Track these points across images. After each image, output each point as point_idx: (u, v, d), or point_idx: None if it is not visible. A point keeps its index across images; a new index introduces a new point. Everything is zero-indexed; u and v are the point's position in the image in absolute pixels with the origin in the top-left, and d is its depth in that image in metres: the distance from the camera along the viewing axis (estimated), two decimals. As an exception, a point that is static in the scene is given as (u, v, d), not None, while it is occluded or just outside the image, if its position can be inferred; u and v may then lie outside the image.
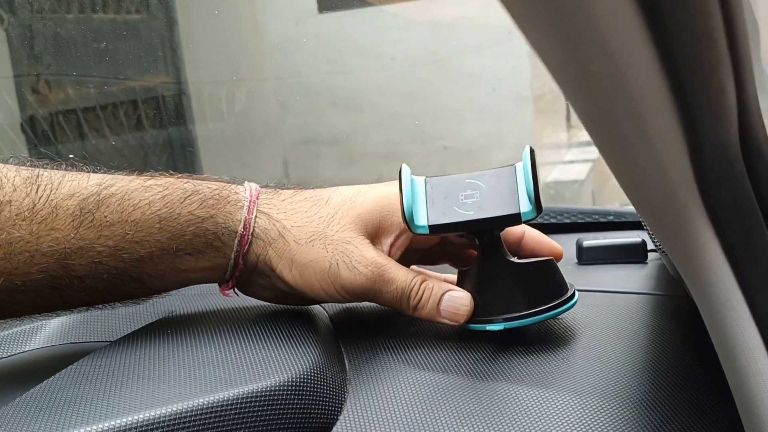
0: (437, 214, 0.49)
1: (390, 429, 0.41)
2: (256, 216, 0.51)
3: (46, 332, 0.57)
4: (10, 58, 1.97)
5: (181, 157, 2.27)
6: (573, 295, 0.51)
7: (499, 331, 0.49)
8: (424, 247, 0.56)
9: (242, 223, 0.50)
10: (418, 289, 0.50)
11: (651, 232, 0.35)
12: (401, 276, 0.50)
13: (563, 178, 3.48)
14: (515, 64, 3.22)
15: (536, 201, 0.47)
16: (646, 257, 0.70)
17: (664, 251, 0.48)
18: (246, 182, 0.53)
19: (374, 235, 0.52)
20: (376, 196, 0.52)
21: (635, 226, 0.82)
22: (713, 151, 0.27)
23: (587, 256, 0.70)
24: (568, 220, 0.86)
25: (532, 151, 0.48)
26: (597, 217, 0.85)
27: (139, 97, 2.19)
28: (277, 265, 0.50)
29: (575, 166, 3.69)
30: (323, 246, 0.50)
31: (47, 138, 1.93)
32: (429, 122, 3.23)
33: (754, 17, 0.31)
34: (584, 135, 4.31)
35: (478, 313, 0.50)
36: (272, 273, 0.51)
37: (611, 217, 0.85)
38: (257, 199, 0.51)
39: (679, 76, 0.20)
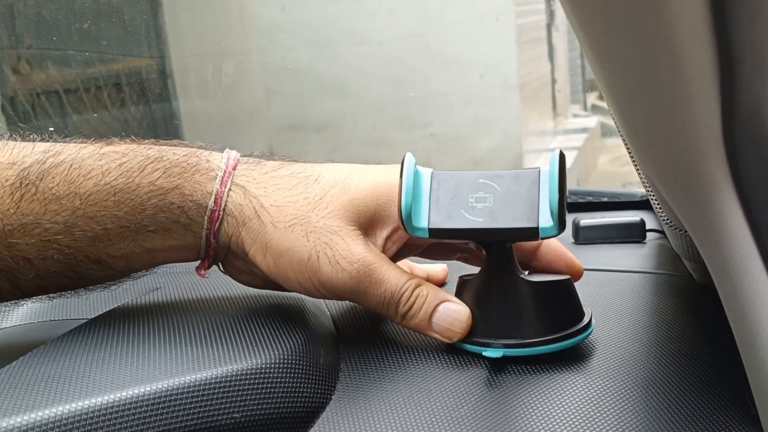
0: (440, 217, 0.42)
1: (385, 411, 0.39)
2: (229, 189, 0.44)
3: (23, 309, 0.55)
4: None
5: (164, 137, 2.24)
6: (589, 323, 0.44)
7: (496, 358, 0.42)
8: (425, 243, 0.49)
9: (213, 197, 0.44)
10: (410, 296, 0.44)
11: (665, 197, 0.33)
12: (392, 278, 0.44)
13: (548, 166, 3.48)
14: (502, 51, 3.21)
15: (560, 217, 0.40)
16: (645, 236, 0.68)
17: (671, 224, 0.46)
18: (226, 150, 0.46)
19: (368, 226, 0.45)
20: (375, 181, 0.45)
21: (630, 206, 0.81)
22: (747, 107, 0.25)
23: (584, 236, 0.68)
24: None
25: (561, 156, 0.41)
26: (591, 198, 0.84)
27: (123, 80, 2.16)
28: (250, 249, 0.44)
29: (561, 154, 3.68)
30: (304, 233, 0.43)
31: (29, 118, 1.90)
32: (416, 108, 3.22)
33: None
34: (569, 123, 4.32)
35: (476, 332, 0.44)
36: (245, 256, 0.45)
37: (605, 198, 0.83)
38: (234, 169, 0.45)
39: (724, 12, 0.18)
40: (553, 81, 4.14)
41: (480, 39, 3.17)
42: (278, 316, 0.46)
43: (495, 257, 0.43)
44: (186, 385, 0.37)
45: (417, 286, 0.44)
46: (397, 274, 0.44)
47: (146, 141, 0.45)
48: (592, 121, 4.33)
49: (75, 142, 0.44)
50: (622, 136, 0.45)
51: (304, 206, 0.44)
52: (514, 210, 0.41)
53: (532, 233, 0.41)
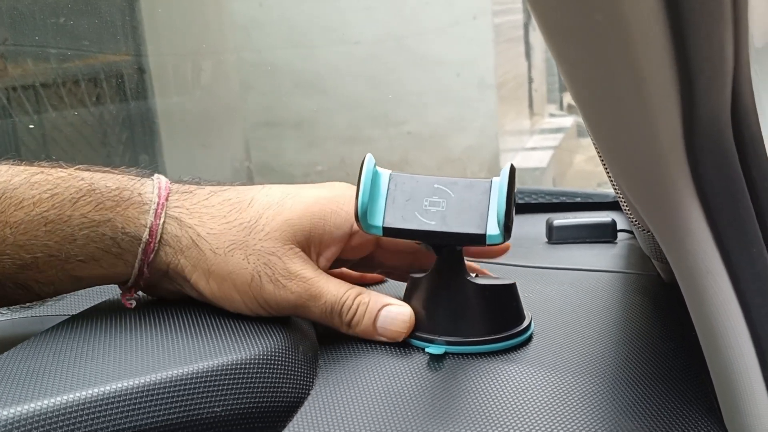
0: (395, 217, 0.45)
1: (363, 405, 0.40)
2: (164, 221, 0.45)
3: (4, 305, 0.55)
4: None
5: (140, 135, 2.23)
6: (528, 326, 0.47)
7: (438, 355, 0.44)
8: (354, 258, 0.51)
9: (148, 229, 0.45)
10: (351, 304, 0.46)
11: (632, 201, 0.34)
12: (331, 290, 0.46)
13: (525, 165, 3.51)
14: (479, 50, 3.22)
15: (505, 226, 0.42)
16: (616, 236, 0.70)
17: (639, 225, 0.48)
18: (155, 176, 0.47)
19: (303, 243, 0.46)
20: (307, 201, 0.47)
21: (602, 206, 0.83)
22: (706, 116, 0.26)
23: (557, 236, 0.70)
24: (536, 201, 0.86)
25: (512, 170, 0.43)
26: (565, 198, 0.85)
27: (100, 74, 2.15)
28: (192, 276, 0.45)
29: (537, 153, 3.72)
30: (244, 256, 0.45)
31: (5, 112, 1.88)
32: (393, 106, 3.22)
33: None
34: (546, 123, 4.35)
35: (422, 328, 0.46)
36: (185, 282, 0.46)
37: (579, 198, 0.85)
38: (166, 200, 0.46)
39: (682, 30, 0.19)
40: (530, 80, 4.16)
41: (457, 38, 3.19)
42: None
43: (444, 259, 0.45)
44: (167, 379, 0.38)
45: (358, 294, 0.46)
46: (335, 285, 0.46)
47: (77, 166, 0.46)
48: (569, 120, 4.37)
49: (4, 165, 0.44)
50: (592, 139, 0.46)
51: (240, 231, 0.45)
52: (464, 216, 0.44)
53: (480, 239, 0.43)
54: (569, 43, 0.21)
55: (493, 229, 0.43)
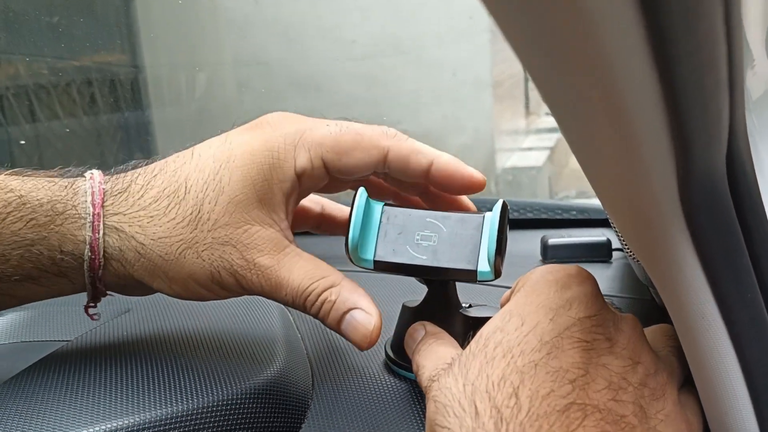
0: (386, 250, 0.44)
1: (355, 438, 0.40)
2: (103, 234, 0.42)
3: (-6, 330, 0.55)
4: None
5: (136, 137, 2.22)
6: None
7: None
8: (315, 189, 0.47)
9: (88, 246, 0.42)
10: (315, 300, 0.43)
11: (627, 241, 0.34)
12: (293, 281, 0.43)
13: (521, 165, 3.51)
14: (475, 49, 3.22)
15: (496, 264, 0.42)
16: (611, 256, 0.70)
17: (633, 257, 0.48)
18: (88, 174, 0.44)
19: (257, 215, 0.43)
20: (244, 166, 0.43)
21: (598, 223, 0.82)
22: (701, 173, 0.26)
23: (552, 255, 0.70)
24: (530, 215, 0.85)
25: (504, 206, 0.43)
26: (560, 212, 0.85)
27: (94, 77, 2.14)
28: (153, 282, 0.43)
29: (533, 153, 3.72)
30: (197, 255, 0.42)
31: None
32: (388, 105, 3.22)
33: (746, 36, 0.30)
34: (542, 122, 4.35)
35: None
36: (147, 288, 0.44)
37: (574, 213, 0.84)
38: (102, 208, 0.42)
39: (677, 103, 0.19)
40: (526, 80, 4.16)
41: (453, 37, 3.18)
42: (250, 345, 0.46)
43: (436, 291, 0.46)
44: (157, 420, 0.37)
45: (325, 288, 0.43)
46: (299, 275, 0.43)
47: (6, 172, 0.43)
48: (564, 119, 4.36)
49: None
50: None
51: (186, 228, 0.42)
52: (456, 251, 0.44)
53: (470, 275, 0.43)
54: (567, 112, 0.21)
55: (484, 266, 0.43)
